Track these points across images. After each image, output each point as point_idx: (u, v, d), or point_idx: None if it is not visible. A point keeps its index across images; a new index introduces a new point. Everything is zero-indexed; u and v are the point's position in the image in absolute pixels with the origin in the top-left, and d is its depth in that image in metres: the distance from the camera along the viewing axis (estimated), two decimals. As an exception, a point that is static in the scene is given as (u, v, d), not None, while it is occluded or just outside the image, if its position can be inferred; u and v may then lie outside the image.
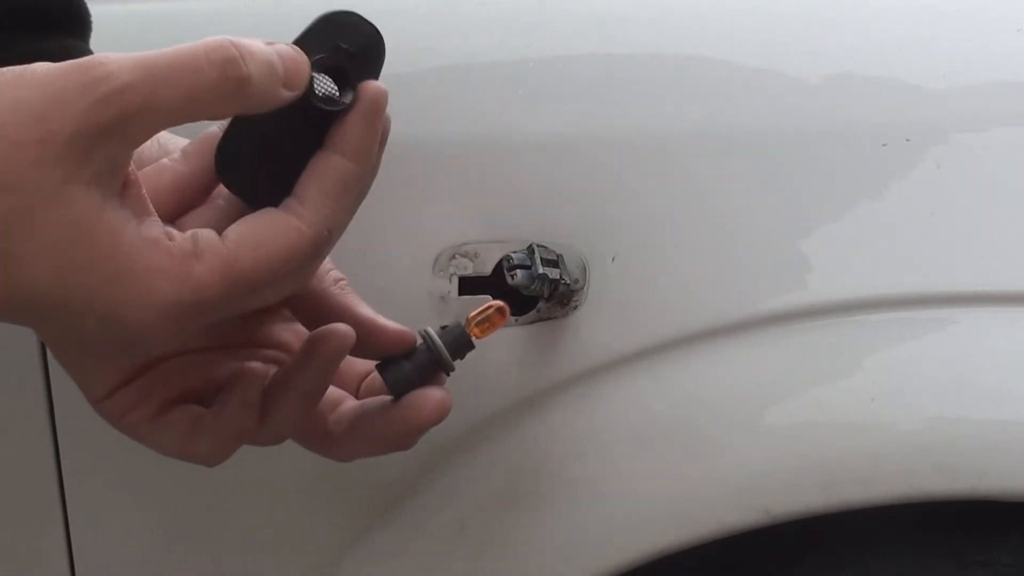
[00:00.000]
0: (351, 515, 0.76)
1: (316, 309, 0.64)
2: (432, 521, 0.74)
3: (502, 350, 0.71)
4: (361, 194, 0.59)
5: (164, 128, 0.53)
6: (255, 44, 0.54)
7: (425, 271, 0.72)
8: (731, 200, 0.69)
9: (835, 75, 0.70)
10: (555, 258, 0.70)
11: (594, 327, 0.70)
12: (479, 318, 0.65)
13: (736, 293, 0.68)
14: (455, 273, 0.72)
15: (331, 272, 0.65)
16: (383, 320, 0.65)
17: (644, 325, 0.70)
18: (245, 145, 0.59)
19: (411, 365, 0.64)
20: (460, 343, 0.65)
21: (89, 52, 0.66)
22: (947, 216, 0.67)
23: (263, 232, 0.55)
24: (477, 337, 0.65)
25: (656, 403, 0.69)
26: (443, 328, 0.65)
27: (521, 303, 0.71)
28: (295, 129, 0.58)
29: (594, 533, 0.70)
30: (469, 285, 0.72)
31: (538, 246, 0.70)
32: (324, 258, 0.59)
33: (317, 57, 0.58)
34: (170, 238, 0.53)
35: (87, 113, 0.50)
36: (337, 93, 0.58)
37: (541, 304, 0.71)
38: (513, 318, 0.71)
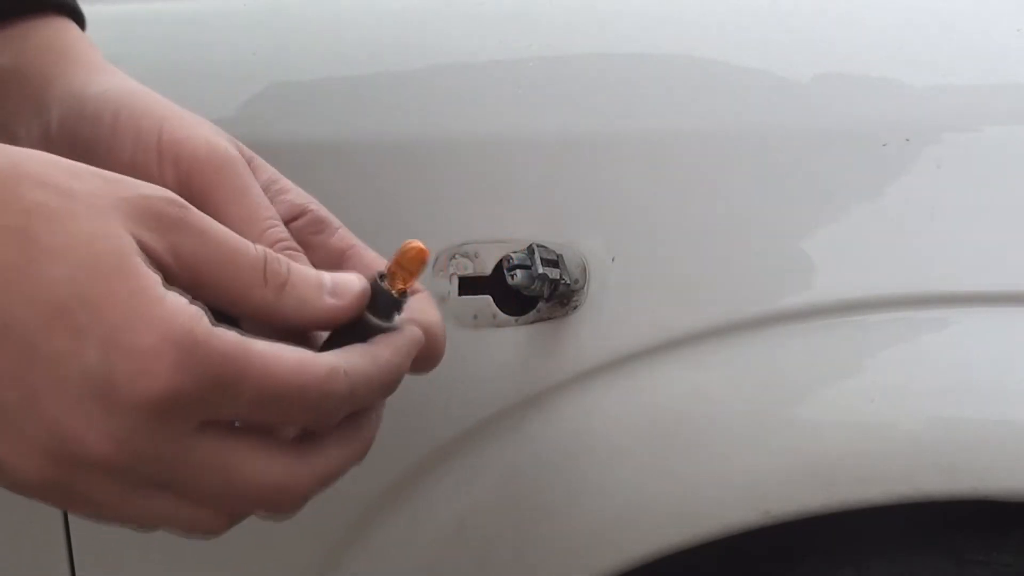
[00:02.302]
0: (351, 515, 0.76)
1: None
2: (432, 521, 0.74)
3: (502, 350, 0.71)
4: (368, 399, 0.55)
5: None
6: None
7: (425, 271, 0.72)
8: (731, 200, 0.69)
9: (835, 75, 0.70)
10: (555, 258, 0.70)
11: (594, 327, 0.70)
12: (393, 269, 0.57)
13: (736, 293, 0.68)
14: (455, 273, 0.72)
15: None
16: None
17: (644, 325, 0.70)
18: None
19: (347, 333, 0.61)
20: (385, 302, 0.58)
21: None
22: (947, 216, 0.67)
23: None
24: (401, 291, 0.57)
25: (656, 403, 0.69)
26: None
27: (521, 303, 0.71)
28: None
29: (594, 533, 0.70)
30: (469, 285, 0.72)
31: (538, 246, 0.70)
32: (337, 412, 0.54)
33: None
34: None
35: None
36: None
37: (541, 304, 0.71)
38: (513, 318, 0.71)
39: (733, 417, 0.68)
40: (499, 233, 0.72)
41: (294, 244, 0.60)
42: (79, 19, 0.67)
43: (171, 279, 0.51)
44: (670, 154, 0.70)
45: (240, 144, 0.63)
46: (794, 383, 0.67)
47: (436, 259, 0.72)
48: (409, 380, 0.73)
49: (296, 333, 0.56)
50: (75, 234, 0.49)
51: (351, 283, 0.55)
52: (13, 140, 0.63)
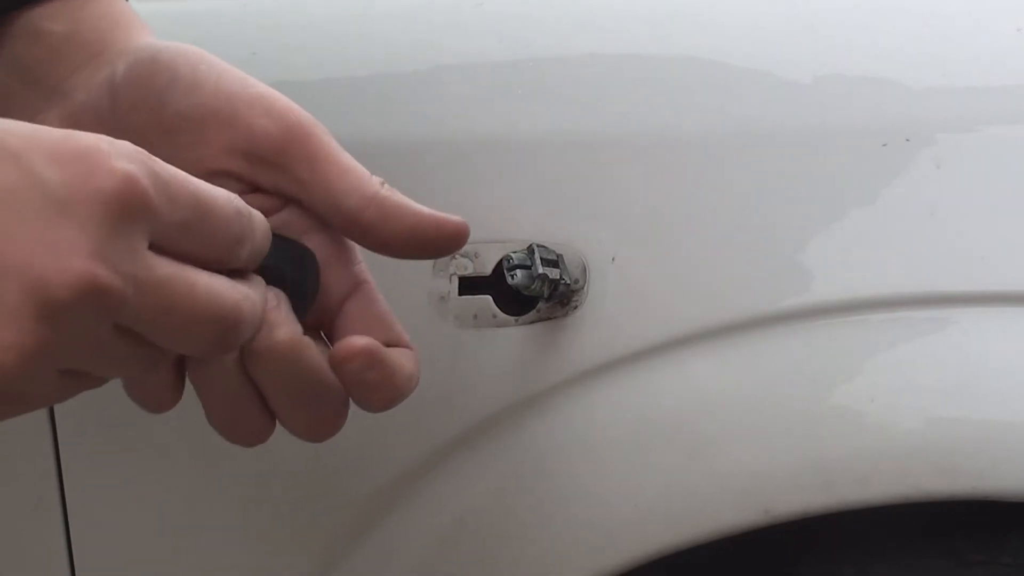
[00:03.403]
0: (351, 515, 0.76)
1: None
2: (432, 521, 0.74)
3: (502, 350, 0.71)
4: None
5: None
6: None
7: (425, 271, 0.72)
8: (731, 200, 0.69)
9: (835, 75, 0.70)
10: (555, 258, 0.70)
11: (594, 327, 0.70)
12: None
13: (736, 293, 0.68)
14: (455, 273, 0.72)
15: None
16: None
17: (644, 325, 0.70)
18: None
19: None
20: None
21: None
22: (947, 216, 0.67)
23: None
24: None
25: (656, 403, 0.69)
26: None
27: (521, 303, 0.71)
28: None
29: (594, 533, 0.70)
30: (469, 285, 0.72)
31: (538, 246, 0.70)
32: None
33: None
34: None
35: None
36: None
37: (541, 304, 0.71)
38: (513, 318, 0.71)
39: (733, 417, 0.68)
40: (499, 233, 0.72)
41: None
42: None
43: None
44: (670, 154, 0.70)
45: None
46: (794, 383, 0.67)
47: (436, 259, 0.72)
48: (409, 380, 0.73)
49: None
50: None
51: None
52: (67, 98, 0.63)
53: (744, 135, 0.70)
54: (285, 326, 0.59)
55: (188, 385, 0.62)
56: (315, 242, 0.63)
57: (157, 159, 0.51)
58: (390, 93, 0.74)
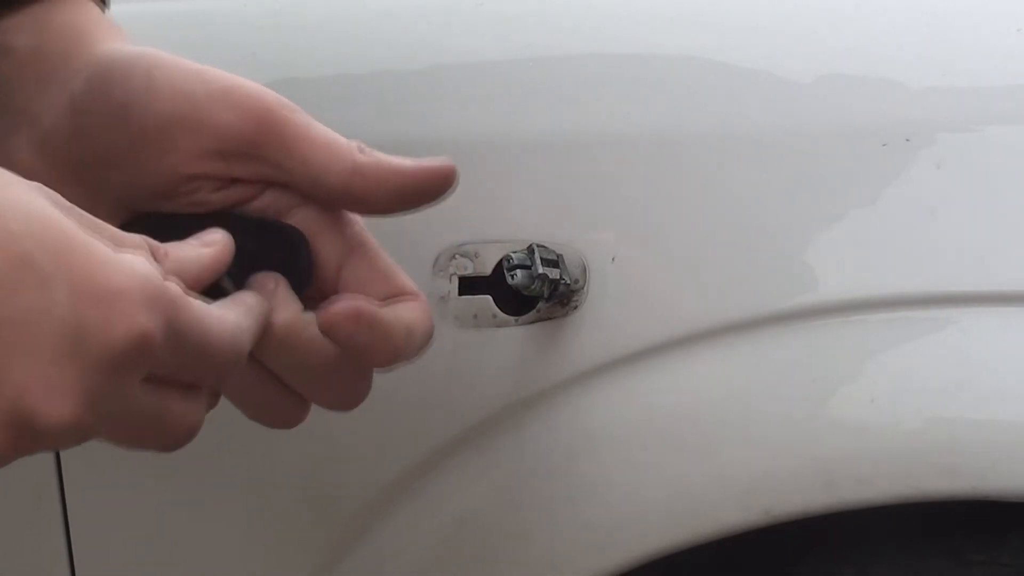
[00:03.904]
0: (351, 515, 0.76)
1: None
2: (432, 521, 0.74)
3: (502, 350, 0.71)
4: None
5: None
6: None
7: (425, 271, 0.72)
8: (731, 200, 0.69)
9: (835, 75, 0.70)
10: (555, 258, 0.70)
11: (594, 327, 0.70)
12: None
13: (736, 293, 0.68)
14: (455, 273, 0.72)
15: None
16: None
17: (644, 325, 0.70)
18: None
19: None
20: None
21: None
22: (947, 216, 0.67)
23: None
24: None
25: (656, 403, 0.69)
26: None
27: (521, 303, 0.71)
28: None
29: (594, 533, 0.70)
30: (469, 285, 0.72)
31: (538, 246, 0.70)
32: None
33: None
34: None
35: None
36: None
37: (541, 304, 0.71)
38: (513, 318, 0.71)
39: (733, 417, 0.68)
40: (499, 233, 0.72)
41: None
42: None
43: None
44: (670, 154, 0.70)
45: None
46: (794, 383, 0.67)
47: (436, 259, 0.72)
48: (409, 380, 0.73)
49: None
50: (14, 196, 0.48)
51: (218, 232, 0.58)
52: (34, 122, 0.62)
53: (744, 135, 0.70)
54: (282, 310, 0.59)
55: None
56: (303, 217, 0.62)
57: (185, 301, 0.51)
58: (390, 93, 0.74)
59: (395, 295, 0.62)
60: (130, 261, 0.49)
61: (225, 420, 0.74)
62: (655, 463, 0.69)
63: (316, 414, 0.74)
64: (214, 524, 0.78)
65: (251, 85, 0.61)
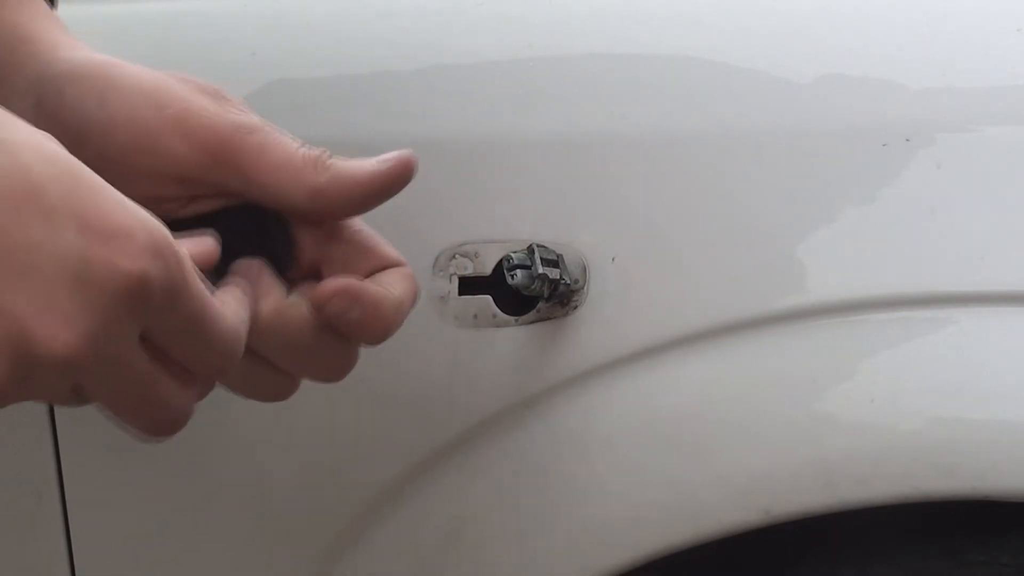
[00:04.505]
0: (350, 515, 0.76)
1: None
2: (431, 521, 0.74)
3: (502, 350, 0.71)
4: None
5: None
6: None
7: (425, 271, 0.72)
8: (731, 200, 0.69)
9: (835, 75, 0.70)
10: (555, 258, 0.70)
11: (594, 327, 0.70)
12: None
13: (736, 293, 0.68)
14: (455, 273, 0.72)
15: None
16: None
17: (644, 325, 0.70)
18: None
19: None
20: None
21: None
22: (947, 216, 0.67)
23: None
24: None
25: (656, 403, 0.69)
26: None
27: (521, 303, 0.71)
28: None
29: (594, 533, 0.70)
30: (469, 285, 0.72)
31: (538, 246, 0.70)
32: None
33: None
34: None
35: None
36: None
37: (541, 304, 0.71)
38: (513, 318, 0.71)
39: (733, 417, 0.68)
40: (499, 233, 0.72)
41: (327, 152, 0.62)
42: None
43: None
44: (670, 154, 0.70)
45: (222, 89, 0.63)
46: (794, 383, 0.67)
47: (436, 259, 0.72)
48: (409, 380, 0.73)
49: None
50: (27, 133, 0.49)
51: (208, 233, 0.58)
52: None
53: (744, 135, 0.70)
54: (268, 296, 0.59)
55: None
56: None
57: (188, 262, 0.51)
58: (390, 93, 0.74)
59: (380, 268, 0.62)
60: (138, 207, 0.50)
61: (225, 420, 0.75)
62: (655, 463, 0.69)
63: (316, 414, 0.74)
64: (214, 524, 0.78)
65: (203, 110, 0.61)
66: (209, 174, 0.61)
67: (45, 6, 0.65)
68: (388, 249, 0.63)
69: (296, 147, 0.61)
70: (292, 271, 0.62)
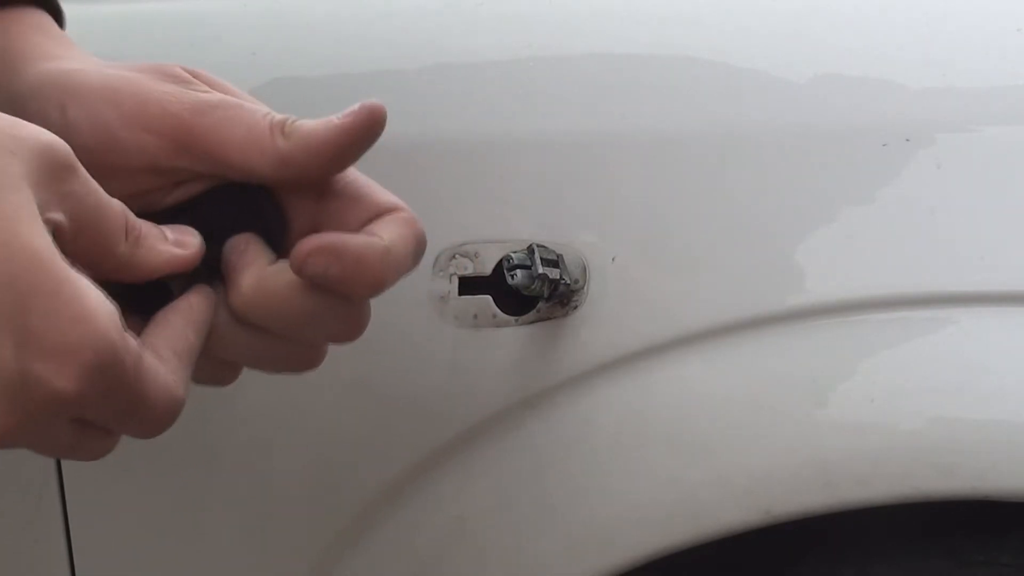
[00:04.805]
0: (350, 515, 0.76)
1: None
2: (432, 521, 0.74)
3: (502, 350, 0.71)
4: None
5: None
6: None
7: (425, 271, 0.72)
8: (731, 200, 0.69)
9: (835, 75, 0.70)
10: (555, 258, 0.70)
11: (594, 327, 0.70)
12: None
13: (736, 293, 0.68)
14: (455, 273, 0.72)
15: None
16: None
17: (644, 325, 0.70)
18: None
19: None
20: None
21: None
22: (947, 216, 0.67)
23: None
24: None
25: (656, 403, 0.69)
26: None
27: (521, 303, 0.71)
28: None
29: (594, 533, 0.70)
30: (469, 285, 0.72)
31: (538, 246, 0.70)
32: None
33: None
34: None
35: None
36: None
37: (541, 304, 0.71)
38: (513, 318, 0.71)
39: (733, 417, 0.68)
40: (499, 233, 0.72)
41: (293, 117, 0.60)
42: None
43: (60, 234, 0.51)
44: (670, 154, 0.70)
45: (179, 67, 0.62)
46: (794, 383, 0.67)
47: (436, 259, 0.72)
48: (409, 380, 0.73)
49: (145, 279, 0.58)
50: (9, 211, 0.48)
51: (191, 233, 0.59)
52: None
53: (744, 135, 0.70)
54: (246, 268, 0.59)
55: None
56: None
57: (133, 364, 0.51)
58: (390, 93, 0.74)
59: (375, 216, 0.60)
60: (94, 311, 0.49)
61: (225, 420, 0.75)
62: (655, 463, 0.69)
63: (317, 414, 0.74)
64: (214, 524, 0.78)
65: (158, 98, 0.60)
66: (177, 160, 0.60)
67: (43, 18, 0.65)
68: (381, 195, 0.61)
69: (262, 115, 0.60)
70: (289, 239, 0.61)
